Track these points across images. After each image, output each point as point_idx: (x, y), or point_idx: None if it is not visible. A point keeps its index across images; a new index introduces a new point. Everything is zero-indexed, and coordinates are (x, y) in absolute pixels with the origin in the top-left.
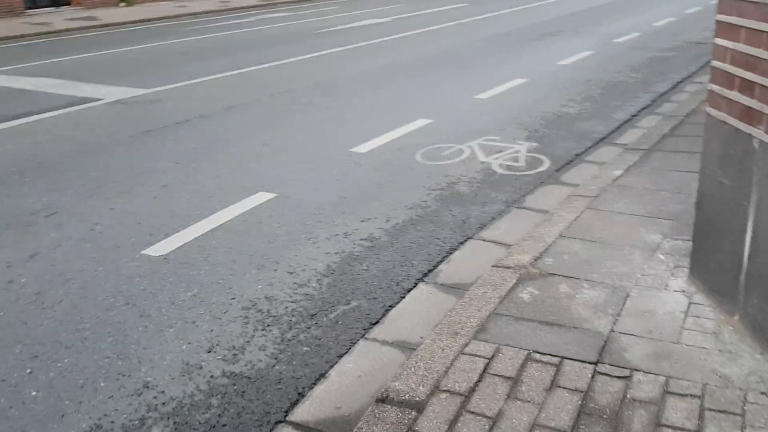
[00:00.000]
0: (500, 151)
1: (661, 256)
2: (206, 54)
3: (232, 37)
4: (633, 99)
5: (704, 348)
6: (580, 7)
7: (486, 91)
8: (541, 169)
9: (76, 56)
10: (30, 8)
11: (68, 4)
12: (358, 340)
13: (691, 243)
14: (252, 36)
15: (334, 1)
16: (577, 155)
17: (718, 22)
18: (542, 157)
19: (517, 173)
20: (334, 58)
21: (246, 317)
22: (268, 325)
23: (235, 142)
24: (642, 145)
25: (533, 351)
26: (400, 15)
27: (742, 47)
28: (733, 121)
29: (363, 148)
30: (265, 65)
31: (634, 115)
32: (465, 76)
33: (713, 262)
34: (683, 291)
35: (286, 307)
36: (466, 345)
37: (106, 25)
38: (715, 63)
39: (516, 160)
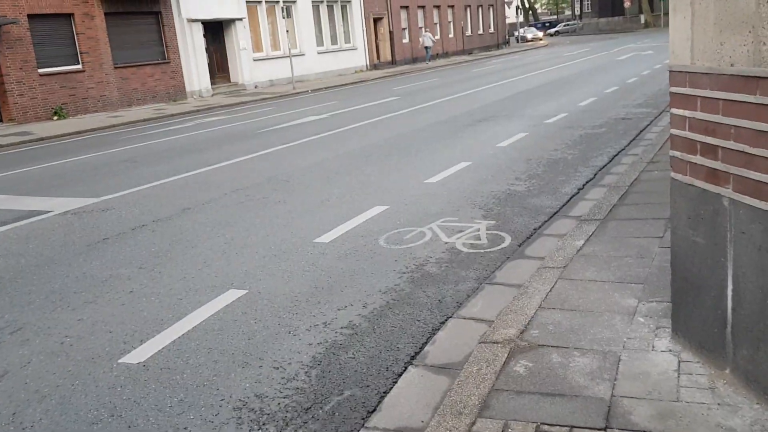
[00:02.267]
0: (461, 231)
1: (641, 319)
2: (151, 160)
3: (174, 142)
4: (576, 173)
5: (704, 403)
6: (506, 93)
7: (434, 175)
8: (503, 245)
9: (16, 171)
10: None
11: (0, 120)
12: (359, 431)
13: (666, 304)
14: (194, 140)
15: (269, 102)
16: (535, 229)
17: (672, 93)
18: (502, 233)
19: (482, 250)
20: (281, 155)
21: (239, 418)
22: (264, 424)
23: (196, 243)
24: (596, 215)
25: (541, 423)
26: (336, 111)
27: (699, 115)
28: (700, 183)
29: (326, 237)
30: (213, 166)
31: (581, 189)
32: (411, 162)
33: (696, 319)
34: (670, 350)
35: (279, 404)
36: (473, 424)
37: (42, 139)
38: (674, 131)
39: (478, 238)
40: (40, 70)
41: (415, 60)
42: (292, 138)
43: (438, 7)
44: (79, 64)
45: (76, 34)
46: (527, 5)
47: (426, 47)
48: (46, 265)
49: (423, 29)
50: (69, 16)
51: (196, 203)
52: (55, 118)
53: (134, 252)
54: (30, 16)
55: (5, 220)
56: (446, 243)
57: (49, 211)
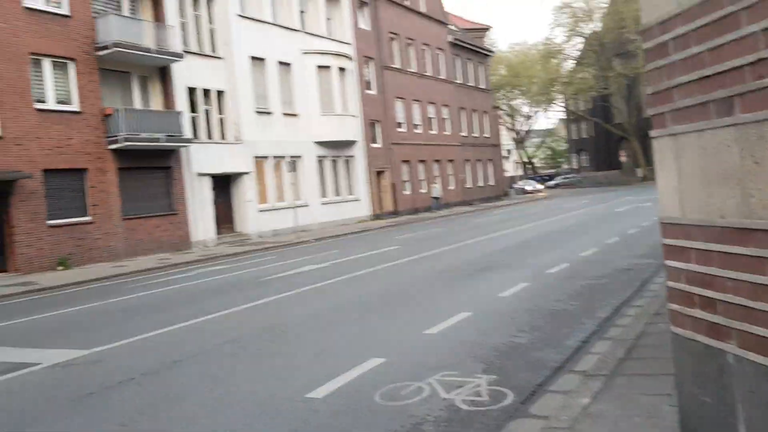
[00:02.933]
0: (460, 386)
1: None
2: (148, 310)
3: (173, 292)
4: (579, 325)
5: None
6: (507, 243)
7: (434, 326)
8: (506, 402)
9: (13, 321)
10: None
11: (5, 270)
12: None
13: None
14: (194, 289)
15: (272, 252)
16: (539, 385)
17: (665, 245)
18: (504, 389)
19: (483, 408)
20: (279, 304)
21: None
22: None
23: (183, 398)
24: (601, 370)
25: None
26: (337, 259)
27: (695, 267)
28: (701, 338)
29: (319, 392)
30: (209, 316)
31: (585, 342)
32: (410, 312)
33: None
34: None
35: None
36: None
37: (45, 289)
38: (671, 284)
39: (478, 394)
40: (49, 222)
41: (416, 210)
42: (291, 287)
43: (438, 161)
44: (88, 215)
45: (89, 187)
46: (526, 159)
47: (434, 197)
48: (27, 423)
49: (431, 180)
50: (82, 171)
51: (188, 355)
52: (60, 268)
53: (118, 408)
54: (45, 171)
55: None
56: (445, 399)
57: (37, 364)
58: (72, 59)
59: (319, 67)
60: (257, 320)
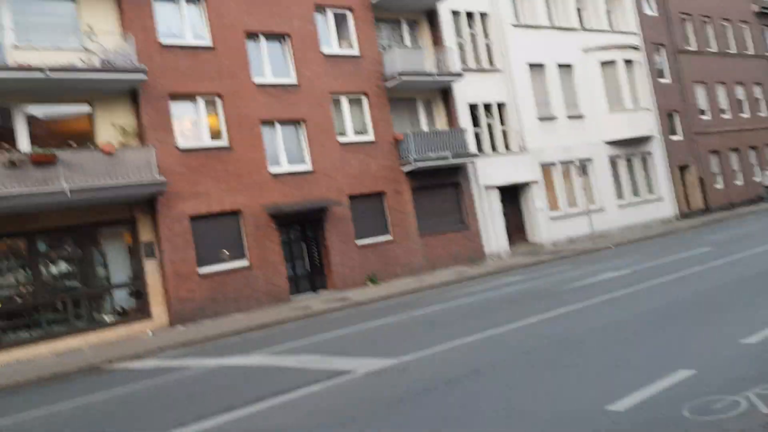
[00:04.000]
0: None
1: None
2: (447, 321)
3: (471, 303)
4: None
5: None
6: None
7: (752, 334)
8: None
9: (331, 333)
10: (294, 295)
11: (325, 287)
12: None
13: None
14: (490, 300)
15: (567, 260)
16: None
17: None
18: None
19: None
20: (576, 314)
21: None
22: None
23: (484, 407)
24: None
25: None
26: (638, 266)
27: None
28: None
29: (620, 405)
30: (505, 327)
31: None
32: (723, 320)
33: None
34: None
35: None
36: None
37: (358, 303)
38: None
39: None
40: (357, 242)
41: (732, 205)
42: (588, 296)
43: (755, 148)
44: (389, 234)
45: (388, 208)
46: None
47: (766, 186)
48: (344, 425)
49: (759, 167)
50: (382, 194)
51: (486, 365)
52: (369, 284)
53: (425, 415)
54: (350, 197)
55: (318, 378)
56: (766, 415)
57: (353, 371)
58: (365, 94)
59: (603, 63)
60: (553, 330)
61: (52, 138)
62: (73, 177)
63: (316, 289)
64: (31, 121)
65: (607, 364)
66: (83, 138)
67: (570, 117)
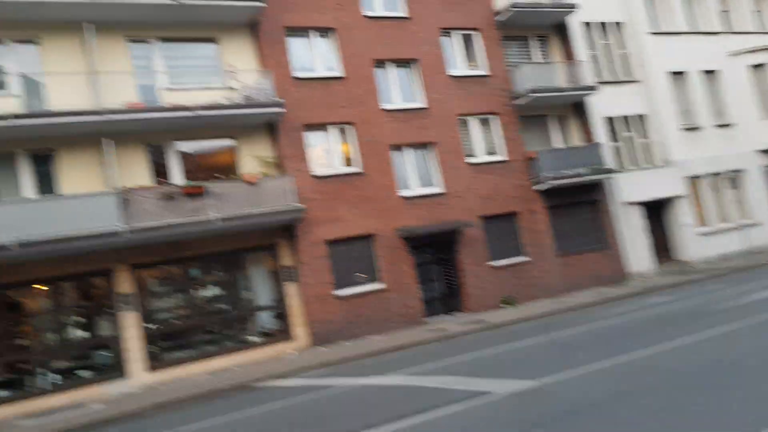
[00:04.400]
0: None
1: None
2: (589, 343)
3: (614, 325)
4: None
5: None
6: None
7: None
8: None
9: (469, 355)
10: (429, 317)
11: (459, 310)
12: None
13: None
14: (634, 322)
15: (717, 279)
16: None
17: None
18: None
19: None
20: (730, 335)
21: None
22: None
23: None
24: None
25: None
26: None
27: None
28: None
29: None
30: (651, 349)
31: None
32: None
33: None
34: None
35: None
36: None
37: (494, 326)
38: None
39: None
40: (491, 264)
41: None
42: (744, 316)
43: None
44: (525, 255)
45: (522, 228)
46: None
47: None
48: None
49: None
50: (515, 215)
51: (631, 388)
52: (504, 306)
53: None
54: (482, 218)
55: (457, 399)
56: None
57: (494, 392)
58: (494, 113)
59: (752, 66)
60: (706, 352)
61: (201, 171)
62: (220, 206)
63: (450, 312)
64: (182, 156)
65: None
66: (228, 170)
67: (717, 126)
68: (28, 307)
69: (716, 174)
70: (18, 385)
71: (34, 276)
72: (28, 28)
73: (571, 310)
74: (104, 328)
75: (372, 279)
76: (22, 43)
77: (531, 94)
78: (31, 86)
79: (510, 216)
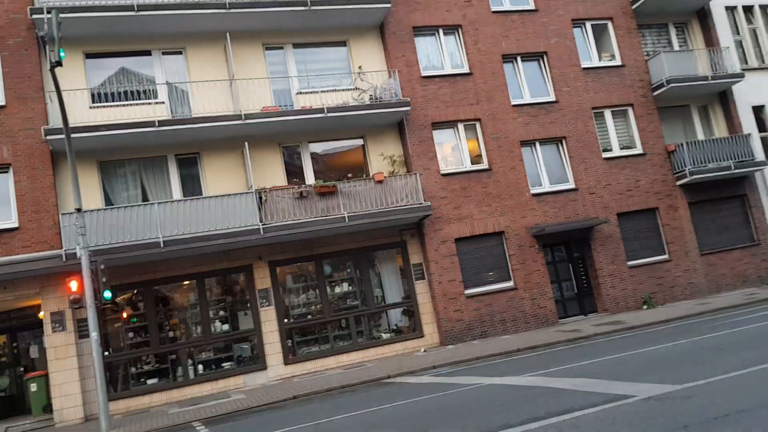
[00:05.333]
0: None
1: None
2: (738, 347)
3: (757, 330)
4: None
5: None
6: None
7: None
8: None
9: (605, 357)
10: (562, 318)
11: (595, 311)
12: None
13: None
14: None
15: None
16: None
17: None
18: None
19: None
20: None
21: None
22: None
23: None
24: None
25: None
26: None
27: None
28: None
29: None
30: None
31: None
32: None
33: None
34: None
35: None
36: None
37: (632, 328)
38: None
39: None
40: (629, 263)
41: None
42: None
43: None
44: (665, 254)
45: (661, 225)
46: None
47: None
48: None
49: None
50: (654, 211)
51: None
52: (645, 307)
53: None
54: (618, 215)
55: (595, 402)
56: None
57: (633, 396)
58: (629, 105)
59: None
60: None
61: (332, 171)
62: (351, 205)
63: (585, 313)
64: (314, 156)
65: None
66: (357, 169)
67: None
68: (176, 301)
69: None
70: (166, 374)
71: (182, 272)
72: (174, 40)
73: (716, 311)
74: (245, 322)
75: (502, 277)
76: (169, 54)
77: (669, 84)
78: (178, 94)
79: (649, 212)
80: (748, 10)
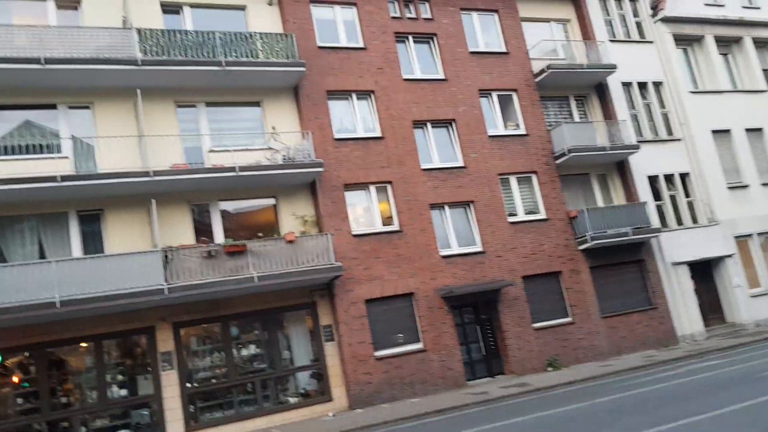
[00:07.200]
0: None
1: None
2: (639, 410)
3: (661, 391)
4: None
5: None
6: None
7: None
8: None
9: (511, 420)
10: (470, 380)
11: (502, 372)
12: None
13: None
14: (683, 387)
15: None
16: None
17: None
18: None
19: None
20: None
21: None
22: None
23: None
24: None
25: None
26: None
27: None
28: None
29: None
30: (702, 416)
31: None
32: None
33: None
34: None
35: None
36: None
37: (537, 389)
38: None
39: None
40: (534, 325)
41: None
42: None
43: None
44: (569, 316)
45: (564, 288)
46: None
47: None
48: None
49: None
50: (557, 274)
51: None
52: (550, 369)
53: None
54: (524, 278)
55: None
56: None
57: None
58: (533, 172)
59: None
60: (759, 422)
61: (242, 230)
62: (261, 265)
63: (493, 374)
64: (224, 215)
65: None
66: (269, 228)
67: (765, 184)
68: (71, 364)
69: (766, 233)
70: None
71: (79, 334)
72: (82, 95)
73: (617, 373)
74: (144, 387)
75: (411, 339)
76: (75, 108)
77: (571, 153)
78: (83, 149)
79: (553, 275)
80: (642, 86)
